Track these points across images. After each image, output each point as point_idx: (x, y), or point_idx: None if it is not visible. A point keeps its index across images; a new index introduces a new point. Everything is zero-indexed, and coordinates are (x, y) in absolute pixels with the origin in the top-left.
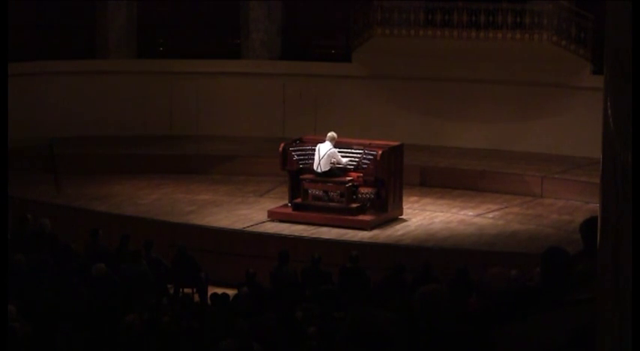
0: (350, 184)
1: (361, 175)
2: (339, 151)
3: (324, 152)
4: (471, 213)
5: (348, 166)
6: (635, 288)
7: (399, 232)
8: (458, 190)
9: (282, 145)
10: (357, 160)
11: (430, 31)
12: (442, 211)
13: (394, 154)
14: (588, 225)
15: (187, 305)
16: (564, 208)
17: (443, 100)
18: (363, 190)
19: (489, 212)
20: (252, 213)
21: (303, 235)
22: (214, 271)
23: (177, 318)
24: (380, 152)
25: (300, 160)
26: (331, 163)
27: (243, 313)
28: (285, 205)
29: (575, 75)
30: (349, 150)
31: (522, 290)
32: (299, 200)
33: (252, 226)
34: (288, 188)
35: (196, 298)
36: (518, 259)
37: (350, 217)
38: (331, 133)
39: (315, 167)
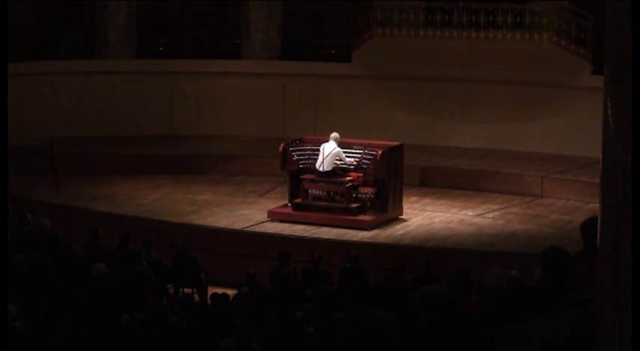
0: (350, 184)
1: (361, 175)
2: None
3: (329, 151)
4: (471, 213)
5: (350, 166)
6: (635, 288)
7: (399, 232)
8: (458, 190)
9: (282, 145)
10: (357, 160)
11: (430, 31)
12: (442, 211)
13: (394, 154)
14: (588, 225)
15: (187, 305)
16: (564, 208)
17: (443, 100)
18: (363, 190)
19: (489, 212)
20: (252, 213)
21: (303, 235)
22: (214, 271)
23: (178, 318)
24: (380, 152)
25: (300, 160)
26: (335, 162)
27: (243, 313)
28: (285, 205)
29: (575, 75)
30: (349, 150)
31: (522, 290)
32: (299, 200)
33: (252, 226)
34: (288, 188)
35: (196, 298)
36: (518, 259)
37: (350, 217)
38: (334, 134)
39: (317, 166)
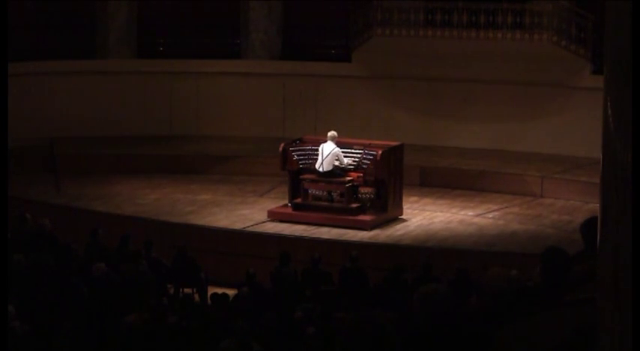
0: (350, 184)
1: (361, 175)
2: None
3: (328, 152)
4: (471, 213)
5: (349, 167)
6: (635, 288)
7: (399, 232)
8: (458, 190)
9: (282, 145)
10: (357, 160)
11: (430, 31)
12: (442, 211)
13: (394, 154)
14: (588, 225)
15: (187, 305)
16: (564, 208)
17: (443, 100)
18: (363, 190)
19: (489, 212)
20: (252, 213)
21: (303, 235)
22: (214, 271)
23: (178, 318)
24: (380, 152)
25: (300, 160)
26: (334, 162)
27: (243, 313)
28: (285, 205)
29: (575, 75)
30: (349, 150)
31: (522, 290)
32: (299, 200)
33: (252, 226)
34: (288, 188)
35: (196, 298)
36: (518, 259)
37: (350, 217)
38: (332, 132)
39: (317, 166)
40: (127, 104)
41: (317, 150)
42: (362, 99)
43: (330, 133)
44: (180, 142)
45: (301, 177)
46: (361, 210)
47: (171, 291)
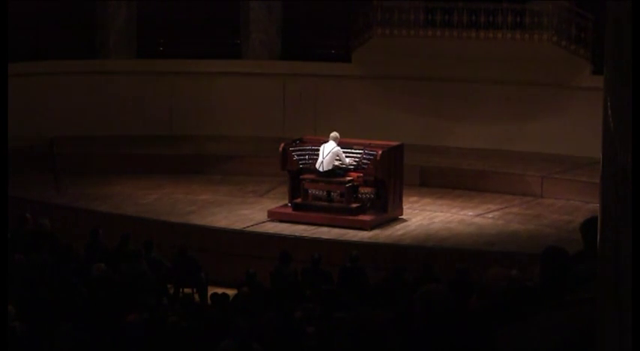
0: (350, 184)
1: (361, 175)
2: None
3: (329, 151)
4: (470, 213)
5: (350, 166)
6: (635, 288)
7: (399, 232)
8: (458, 190)
9: (282, 145)
10: (357, 160)
11: (430, 31)
12: (442, 211)
13: (394, 154)
14: (588, 225)
15: (187, 305)
16: (564, 208)
17: (443, 100)
18: (363, 190)
19: (489, 212)
20: (252, 213)
21: (303, 235)
22: (214, 271)
23: (178, 318)
24: (380, 152)
25: (300, 160)
26: (335, 162)
27: (243, 313)
28: (285, 205)
29: (575, 75)
30: (349, 150)
31: (522, 290)
32: (299, 200)
33: (252, 226)
34: (288, 188)
35: (196, 298)
36: (518, 259)
37: (350, 217)
38: (334, 133)
39: (317, 165)
40: (127, 104)
41: (317, 150)
42: (362, 99)
43: (332, 134)
44: (180, 142)
45: (301, 177)
46: (361, 210)
47: (172, 291)
